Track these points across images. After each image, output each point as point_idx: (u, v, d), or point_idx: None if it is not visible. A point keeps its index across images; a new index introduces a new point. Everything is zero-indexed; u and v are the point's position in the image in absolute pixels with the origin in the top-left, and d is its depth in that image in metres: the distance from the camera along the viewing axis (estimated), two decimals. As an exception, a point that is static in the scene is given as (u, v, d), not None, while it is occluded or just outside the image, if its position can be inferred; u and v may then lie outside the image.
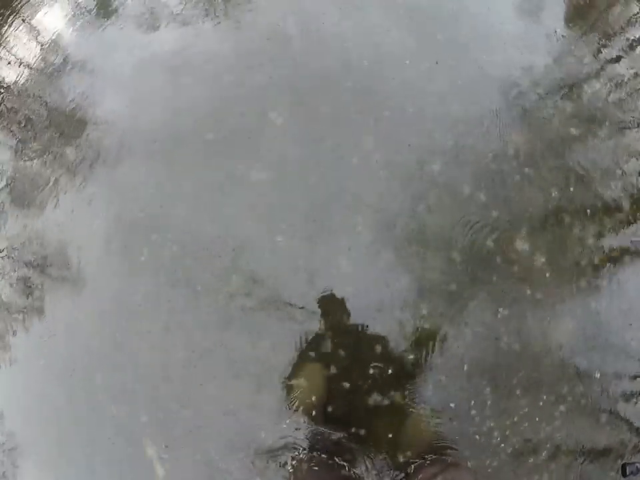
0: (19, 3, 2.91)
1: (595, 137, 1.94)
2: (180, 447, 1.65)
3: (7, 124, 2.36)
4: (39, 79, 2.37)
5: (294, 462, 1.54)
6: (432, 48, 2.04)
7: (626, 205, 1.84)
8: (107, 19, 2.47)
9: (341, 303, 1.63)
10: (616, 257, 1.79)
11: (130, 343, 1.77)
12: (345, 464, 1.52)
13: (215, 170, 1.84)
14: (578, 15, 2.21)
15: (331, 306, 1.64)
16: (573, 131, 1.92)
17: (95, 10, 2.60)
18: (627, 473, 1.39)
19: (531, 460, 1.62)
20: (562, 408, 1.64)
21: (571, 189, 1.82)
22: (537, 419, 1.62)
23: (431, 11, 2.14)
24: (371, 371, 1.58)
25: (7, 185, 2.15)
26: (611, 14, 2.24)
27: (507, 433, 1.61)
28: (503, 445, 1.61)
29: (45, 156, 2.13)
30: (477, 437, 1.60)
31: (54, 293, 2.00)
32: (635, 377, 1.74)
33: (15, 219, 2.06)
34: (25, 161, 2.16)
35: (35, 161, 2.13)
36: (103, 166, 2.01)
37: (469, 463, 1.56)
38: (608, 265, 1.78)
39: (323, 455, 1.52)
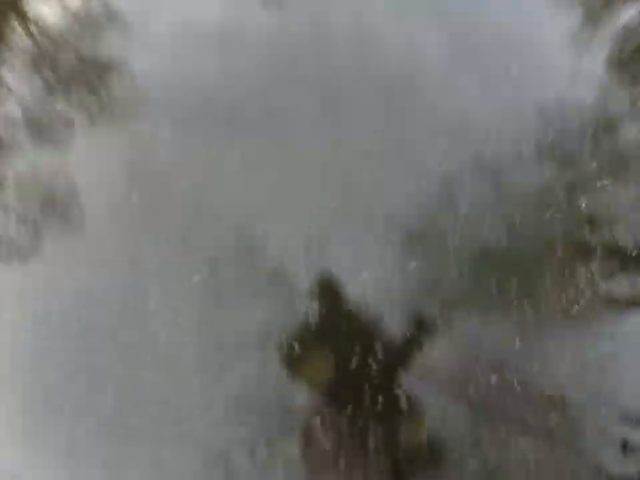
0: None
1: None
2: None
3: (37, 63, 2.37)
4: (77, 25, 2.39)
5: (303, 431, 1.57)
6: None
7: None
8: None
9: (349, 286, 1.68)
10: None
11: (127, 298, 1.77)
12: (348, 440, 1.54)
13: (239, 144, 1.87)
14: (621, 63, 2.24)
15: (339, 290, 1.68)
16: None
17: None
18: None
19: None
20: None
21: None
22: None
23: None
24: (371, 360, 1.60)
25: (26, 121, 2.15)
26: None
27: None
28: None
29: (69, 98, 2.15)
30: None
31: (54, 234, 2.01)
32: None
33: (29, 155, 2.07)
34: (48, 99, 2.18)
35: (58, 101, 2.15)
36: (122, 119, 2.04)
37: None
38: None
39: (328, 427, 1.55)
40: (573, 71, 2.11)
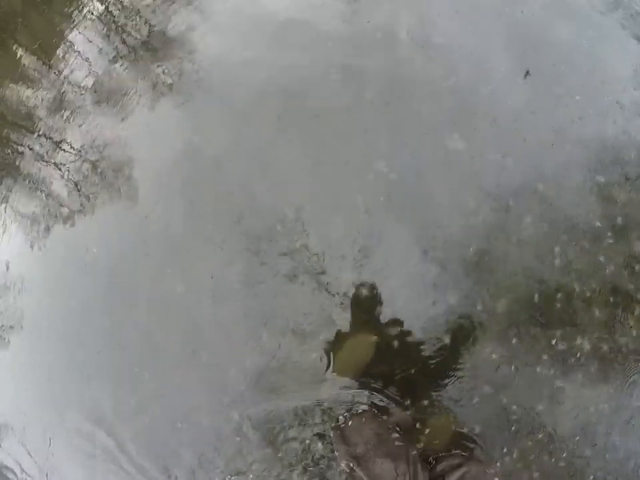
0: None
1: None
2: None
3: (107, 31, 2.45)
4: (149, -1, 2.45)
5: (344, 413, 1.68)
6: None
7: None
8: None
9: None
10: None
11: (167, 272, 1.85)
12: (385, 418, 1.65)
13: (291, 138, 1.89)
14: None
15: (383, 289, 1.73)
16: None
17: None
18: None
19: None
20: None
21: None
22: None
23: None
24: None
25: (93, 87, 2.25)
26: None
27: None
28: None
29: (135, 69, 2.21)
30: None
31: (102, 200, 2.10)
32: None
33: (93, 120, 2.16)
34: (116, 68, 2.26)
35: (125, 71, 2.22)
36: (185, 96, 2.09)
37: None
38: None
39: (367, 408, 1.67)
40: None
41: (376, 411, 1.67)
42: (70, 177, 2.20)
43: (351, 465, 1.42)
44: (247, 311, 1.74)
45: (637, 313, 1.77)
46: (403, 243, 1.76)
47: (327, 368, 1.72)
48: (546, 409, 1.69)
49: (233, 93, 2.07)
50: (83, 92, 2.32)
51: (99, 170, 2.14)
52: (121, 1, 2.57)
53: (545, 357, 1.71)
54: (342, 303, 1.74)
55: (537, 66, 1.97)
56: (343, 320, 1.71)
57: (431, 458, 1.61)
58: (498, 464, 1.66)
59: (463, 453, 1.64)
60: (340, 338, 1.70)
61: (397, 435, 1.57)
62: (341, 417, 1.68)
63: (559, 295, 1.76)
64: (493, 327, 1.72)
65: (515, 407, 1.67)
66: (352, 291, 1.73)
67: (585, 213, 1.81)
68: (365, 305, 1.72)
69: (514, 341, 1.71)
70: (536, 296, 1.75)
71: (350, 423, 1.63)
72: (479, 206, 1.80)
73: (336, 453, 1.63)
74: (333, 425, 1.67)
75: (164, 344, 1.82)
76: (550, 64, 1.98)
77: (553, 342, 1.72)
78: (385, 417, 1.66)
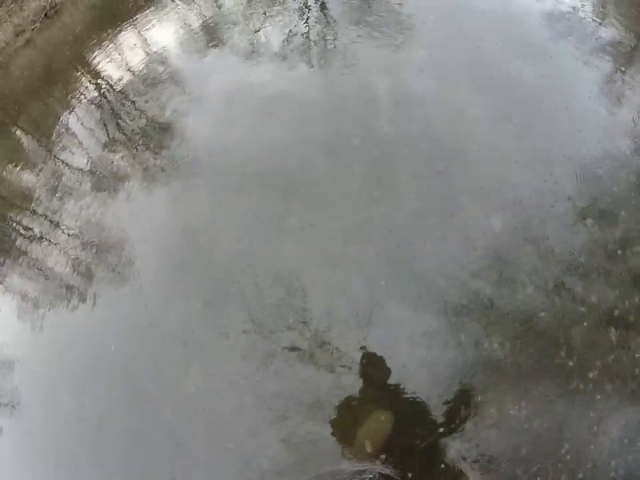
0: (135, 12, 3.24)
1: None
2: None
3: (102, 117, 2.60)
4: (140, 85, 2.62)
5: None
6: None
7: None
8: (213, 45, 2.73)
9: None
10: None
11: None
12: None
13: (287, 214, 1.94)
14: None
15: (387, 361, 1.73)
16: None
17: (203, 35, 2.89)
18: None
19: None
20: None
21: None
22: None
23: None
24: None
25: (90, 172, 2.36)
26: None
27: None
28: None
29: (129, 154, 2.34)
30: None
31: (100, 279, 2.14)
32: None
33: (89, 202, 2.25)
34: (110, 154, 2.38)
35: (118, 156, 2.35)
36: (177, 179, 2.18)
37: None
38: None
39: None
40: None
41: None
42: (66, 256, 2.26)
43: None
44: (261, 397, 1.72)
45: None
46: (410, 316, 1.76)
47: (344, 447, 1.70)
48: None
49: (225, 175, 2.14)
50: (79, 175, 2.44)
51: (95, 251, 2.21)
52: (115, 88, 2.75)
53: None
54: (355, 381, 1.73)
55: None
56: (357, 398, 1.69)
57: None
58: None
59: None
60: (356, 417, 1.68)
61: None
62: None
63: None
64: (506, 391, 1.69)
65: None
66: (363, 368, 1.71)
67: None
68: (378, 381, 1.71)
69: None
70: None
71: None
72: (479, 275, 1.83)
73: None
74: None
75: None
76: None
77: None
78: None
